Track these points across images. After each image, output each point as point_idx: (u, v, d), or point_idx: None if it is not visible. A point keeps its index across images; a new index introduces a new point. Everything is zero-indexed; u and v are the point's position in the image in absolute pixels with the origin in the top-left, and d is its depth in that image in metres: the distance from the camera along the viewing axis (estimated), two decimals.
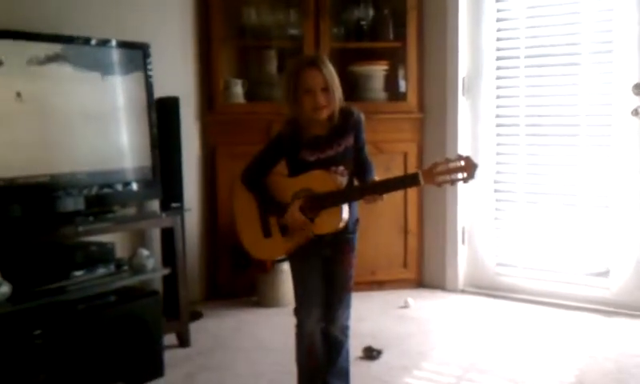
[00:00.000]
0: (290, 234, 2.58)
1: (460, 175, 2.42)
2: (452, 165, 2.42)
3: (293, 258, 2.70)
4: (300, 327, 2.71)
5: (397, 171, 4.33)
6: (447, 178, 2.42)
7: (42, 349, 2.78)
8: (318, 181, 2.52)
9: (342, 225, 2.53)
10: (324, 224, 2.52)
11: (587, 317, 4.01)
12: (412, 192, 4.51)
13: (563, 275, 4.26)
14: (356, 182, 2.64)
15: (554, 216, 4.28)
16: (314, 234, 2.54)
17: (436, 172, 2.43)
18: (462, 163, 2.41)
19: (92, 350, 2.95)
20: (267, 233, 2.65)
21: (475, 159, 2.43)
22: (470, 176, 2.42)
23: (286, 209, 2.54)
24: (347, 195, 2.55)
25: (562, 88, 4.22)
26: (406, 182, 2.77)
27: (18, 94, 3.01)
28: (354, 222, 2.67)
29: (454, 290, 4.58)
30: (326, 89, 2.51)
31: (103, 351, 3.00)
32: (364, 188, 2.57)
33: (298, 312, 2.71)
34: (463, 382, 3.14)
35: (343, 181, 2.58)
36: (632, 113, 3.93)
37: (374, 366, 3.33)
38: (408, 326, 3.91)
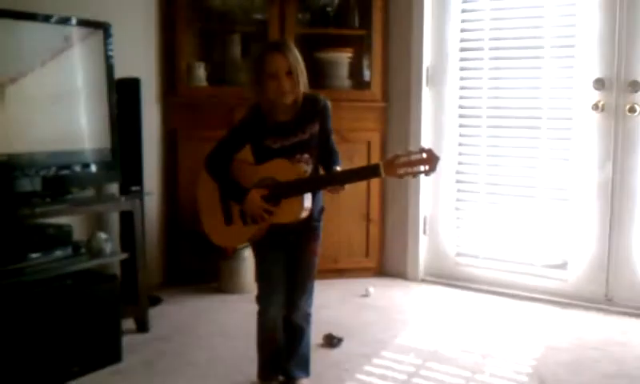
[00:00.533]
0: (249, 221, 2.56)
1: (422, 167, 2.40)
2: (414, 157, 2.40)
3: (256, 245, 2.69)
4: (262, 314, 2.70)
5: (360, 160, 4.34)
6: (409, 170, 2.41)
7: None
8: (281, 169, 2.51)
9: (304, 214, 2.52)
10: (285, 213, 2.51)
11: (544, 308, 4.07)
12: (374, 180, 4.50)
13: (522, 266, 4.31)
14: (321, 171, 2.63)
15: (513, 207, 4.32)
16: (272, 222, 2.52)
17: (397, 164, 2.41)
18: (424, 156, 2.40)
19: (48, 335, 2.90)
20: (229, 220, 2.63)
21: (437, 151, 2.43)
22: (432, 169, 2.40)
23: (246, 195, 2.52)
24: (308, 185, 2.54)
25: (525, 81, 4.26)
26: (366, 172, 2.75)
27: None
28: (319, 211, 2.67)
29: (415, 279, 4.60)
30: (290, 73, 2.50)
31: (60, 336, 2.94)
32: (325, 178, 2.57)
33: (259, 299, 2.70)
34: (423, 371, 3.15)
35: (308, 169, 2.57)
36: (592, 107, 3.99)
37: (334, 353, 3.33)
38: (368, 314, 3.92)
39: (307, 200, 2.51)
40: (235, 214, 2.61)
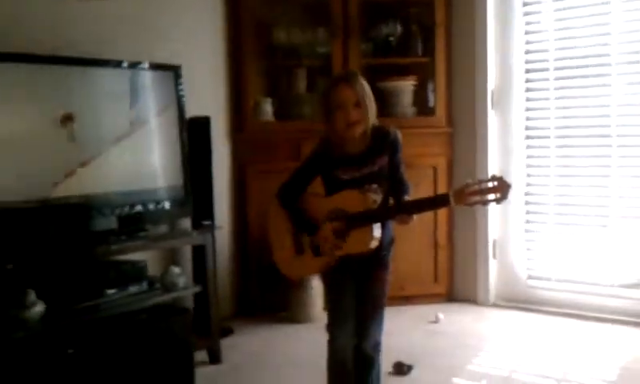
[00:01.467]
0: (320, 253, 2.60)
1: (492, 196, 2.38)
2: (484, 185, 2.38)
3: (325, 274, 2.72)
4: (332, 343, 2.71)
5: (427, 186, 4.36)
6: (479, 198, 2.38)
7: (75, 367, 2.82)
8: (350, 201, 2.52)
9: (373, 245, 2.52)
10: (355, 243, 2.52)
11: (620, 329, 3.96)
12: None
13: (595, 287, 4.21)
14: (391, 202, 2.64)
15: (585, 228, 4.24)
16: (343, 255, 2.55)
17: (467, 192, 2.39)
18: (496, 184, 2.37)
19: (124, 368, 2.99)
20: (299, 250, 2.66)
21: (505, 174, 2.40)
22: (503, 197, 2.38)
23: (318, 228, 2.57)
24: (377, 215, 2.53)
25: (593, 100, 4.20)
26: (436, 202, 2.73)
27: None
28: (388, 242, 2.67)
29: (486, 304, 4.56)
30: (359, 104, 2.52)
31: (135, 369, 3.03)
32: (394, 208, 2.56)
33: (330, 328, 2.72)
34: None
35: (377, 198, 2.57)
36: None
37: (404, 381, 3.33)
38: (439, 340, 3.91)
39: (376, 230, 2.51)
40: (306, 244, 2.66)
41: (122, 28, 3.77)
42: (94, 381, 2.89)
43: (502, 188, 2.37)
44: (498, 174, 4.13)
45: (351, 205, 2.52)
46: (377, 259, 2.64)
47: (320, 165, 2.63)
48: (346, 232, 2.52)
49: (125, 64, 3.44)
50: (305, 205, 2.64)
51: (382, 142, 2.59)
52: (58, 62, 3.17)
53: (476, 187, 2.38)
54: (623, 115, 4.08)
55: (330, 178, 2.62)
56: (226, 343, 3.80)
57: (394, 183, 2.63)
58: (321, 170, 2.63)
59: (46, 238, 3.03)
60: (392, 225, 2.65)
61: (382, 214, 2.57)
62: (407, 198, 2.60)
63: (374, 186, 2.56)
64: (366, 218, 2.51)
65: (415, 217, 2.51)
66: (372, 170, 2.57)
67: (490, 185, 2.37)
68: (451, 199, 2.42)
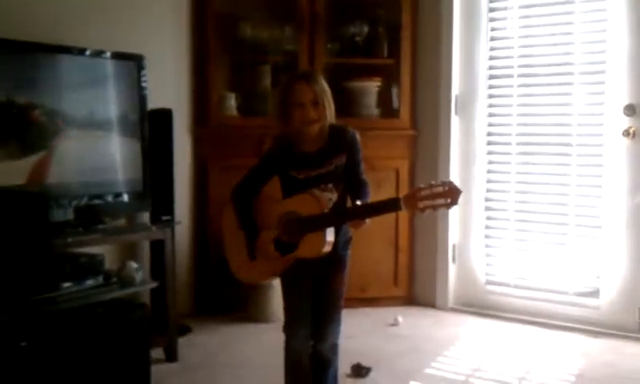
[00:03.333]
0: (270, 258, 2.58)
1: (443, 201, 2.37)
2: (435, 190, 2.37)
3: (283, 275, 2.69)
4: (288, 344, 2.70)
5: (389, 188, 4.37)
6: (430, 203, 2.38)
7: (28, 361, 2.75)
8: (303, 204, 2.51)
9: (326, 249, 2.50)
10: (307, 248, 2.50)
11: (576, 337, 4.01)
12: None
13: (553, 294, 4.26)
14: (349, 203, 2.63)
15: (544, 235, 4.28)
16: (295, 257, 2.53)
17: (418, 197, 2.38)
18: (446, 188, 2.37)
19: (79, 363, 2.92)
20: (252, 255, 2.63)
21: (466, 178, 2.41)
22: (453, 202, 2.37)
23: (258, 235, 2.56)
24: (329, 220, 2.52)
25: (554, 108, 4.24)
26: (387, 206, 2.59)
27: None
28: (346, 241, 2.66)
29: (444, 308, 4.57)
30: (316, 103, 2.51)
31: (90, 364, 2.96)
32: (345, 213, 2.56)
33: (286, 329, 2.70)
34: None
35: (332, 197, 2.57)
36: (623, 133, 3.96)
37: (362, 383, 3.32)
38: (397, 343, 3.90)
39: (329, 234, 2.50)
40: (257, 249, 2.63)
41: (84, 16, 3.68)
42: (48, 375, 2.82)
43: (453, 193, 2.37)
44: (450, 178, 4.23)
45: (303, 208, 2.50)
46: (334, 259, 2.63)
47: (275, 165, 2.61)
48: (300, 236, 2.50)
49: (87, 52, 3.36)
50: (259, 208, 2.61)
51: (339, 141, 2.59)
52: (19, 47, 3.07)
53: (427, 192, 2.38)
54: (584, 125, 4.13)
55: (286, 178, 2.60)
56: (183, 341, 3.74)
57: (353, 183, 2.62)
58: (276, 170, 2.61)
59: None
60: (348, 225, 2.64)
61: (335, 219, 2.55)
62: (368, 198, 2.60)
63: (330, 185, 2.55)
64: (319, 222, 2.49)
65: (368, 220, 2.50)
66: (328, 170, 2.56)
67: (441, 189, 2.37)
68: (401, 203, 2.42)
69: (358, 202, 2.55)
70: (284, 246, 2.55)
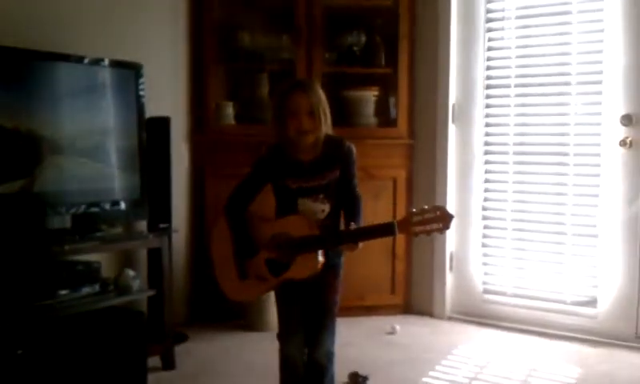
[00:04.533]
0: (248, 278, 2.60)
1: (435, 226, 2.43)
2: (427, 216, 2.42)
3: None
4: (282, 352, 2.70)
5: (386, 198, 4.40)
6: (422, 228, 2.43)
7: (24, 368, 2.74)
8: (295, 225, 2.52)
9: (317, 270, 2.53)
10: (300, 269, 2.52)
11: (573, 346, 4.01)
12: (400, 216, 4.49)
13: (550, 304, 4.25)
14: (342, 218, 2.63)
15: (541, 244, 4.28)
16: (286, 278, 2.54)
17: (412, 222, 2.44)
18: (438, 213, 2.42)
19: (75, 371, 2.92)
20: (243, 275, 2.63)
21: (449, 209, 2.45)
22: (446, 227, 2.44)
23: (254, 256, 2.57)
24: (322, 242, 2.54)
25: (552, 117, 4.25)
26: (381, 231, 2.58)
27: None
28: (338, 250, 2.66)
29: (441, 317, 4.57)
30: (312, 113, 2.52)
31: (86, 372, 2.97)
32: (339, 236, 2.57)
33: (280, 337, 2.70)
34: None
35: (325, 208, 2.57)
36: (620, 143, 3.96)
37: None
38: (394, 352, 3.90)
39: (321, 256, 2.53)
40: (249, 268, 2.63)
41: (82, 24, 3.68)
42: (44, 383, 2.81)
43: (445, 218, 2.43)
44: (454, 195, 4.25)
45: (295, 229, 2.51)
46: (328, 267, 2.63)
47: (267, 172, 2.62)
48: (292, 257, 2.51)
49: (86, 60, 3.36)
50: (250, 228, 2.61)
51: (334, 154, 2.59)
52: (18, 54, 3.07)
53: (419, 218, 2.43)
54: (581, 134, 4.14)
55: (278, 187, 2.60)
56: (180, 349, 3.73)
57: (346, 197, 2.62)
58: (269, 177, 2.62)
59: None
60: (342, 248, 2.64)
61: (329, 242, 2.57)
62: (360, 214, 2.60)
63: (321, 195, 2.55)
64: (310, 244, 2.51)
65: (361, 244, 2.51)
66: (320, 183, 2.57)
67: (433, 215, 2.43)
68: (396, 229, 2.46)
69: (353, 225, 2.53)
70: (276, 265, 2.56)
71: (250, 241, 2.59)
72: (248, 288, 2.66)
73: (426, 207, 2.46)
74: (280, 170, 2.58)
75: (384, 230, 2.52)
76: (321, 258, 2.52)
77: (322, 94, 2.57)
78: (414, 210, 2.45)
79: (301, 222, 2.52)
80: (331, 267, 2.65)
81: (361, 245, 2.50)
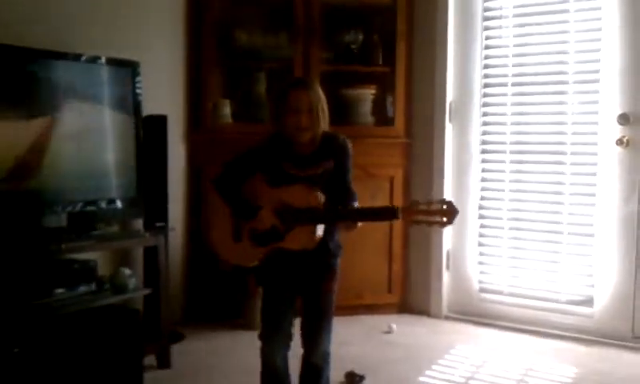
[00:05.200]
0: (259, 241, 2.56)
1: (438, 218, 2.39)
2: (433, 207, 2.40)
3: (264, 281, 2.69)
4: (262, 352, 2.70)
5: (383, 196, 4.39)
6: (424, 218, 2.40)
7: (20, 367, 2.74)
8: (298, 195, 2.48)
9: (312, 245, 2.49)
10: (295, 240, 2.49)
11: (569, 345, 4.02)
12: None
13: (546, 303, 4.26)
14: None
15: (538, 243, 4.29)
16: (281, 247, 2.51)
17: (416, 210, 2.41)
18: (444, 207, 2.39)
19: (71, 370, 2.92)
20: (237, 237, 2.61)
21: (454, 194, 2.43)
22: (449, 222, 2.40)
23: (258, 212, 2.52)
24: (323, 215, 2.50)
25: (548, 116, 4.25)
26: (384, 213, 2.61)
27: None
28: (335, 247, 2.65)
29: (438, 316, 4.57)
30: (311, 111, 2.51)
31: (82, 371, 2.96)
32: (341, 212, 2.53)
33: (261, 335, 2.70)
34: None
35: (321, 199, 2.55)
36: (617, 142, 3.97)
37: None
38: (391, 351, 3.90)
39: (319, 230, 2.48)
40: (244, 232, 2.61)
41: (80, 22, 3.67)
42: (40, 381, 2.81)
43: (450, 213, 2.39)
44: (451, 194, 4.24)
45: (297, 199, 2.48)
46: (324, 267, 2.63)
47: (262, 158, 2.59)
48: (290, 225, 2.49)
49: (83, 58, 3.35)
50: (249, 189, 2.58)
51: (329, 147, 2.59)
52: (15, 52, 3.07)
53: (424, 207, 2.40)
54: (578, 133, 4.14)
55: (274, 171, 2.56)
56: (176, 349, 3.72)
57: (340, 190, 2.60)
58: (263, 163, 2.58)
59: None
60: (339, 233, 2.63)
61: (330, 215, 2.53)
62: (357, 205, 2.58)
63: (316, 188, 2.54)
64: (312, 215, 2.48)
65: (360, 224, 2.50)
66: (315, 173, 2.56)
67: (439, 207, 2.39)
68: (399, 213, 2.43)
69: (356, 204, 2.54)
70: (268, 236, 2.53)
71: (246, 204, 2.56)
72: (241, 251, 2.61)
73: (434, 199, 2.45)
74: (277, 154, 2.57)
75: (387, 213, 2.52)
76: (319, 233, 2.48)
77: (321, 93, 2.57)
78: (420, 199, 2.44)
79: (305, 192, 2.48)
80: (328, 268, 2.64)
81: (360, 225, 2.49)
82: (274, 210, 2.51)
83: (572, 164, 4.16)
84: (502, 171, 4.41)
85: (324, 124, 2.56)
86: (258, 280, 2.74)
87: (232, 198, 2.60)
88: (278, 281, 2.64)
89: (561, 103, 4.19)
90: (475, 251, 4.52)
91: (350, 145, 2.63)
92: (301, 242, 2.49)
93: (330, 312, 2.68)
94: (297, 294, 2.66)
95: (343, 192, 2.60)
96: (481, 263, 4.52)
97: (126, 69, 3.54)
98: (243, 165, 2.63)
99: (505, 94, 4.39)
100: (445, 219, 2.39)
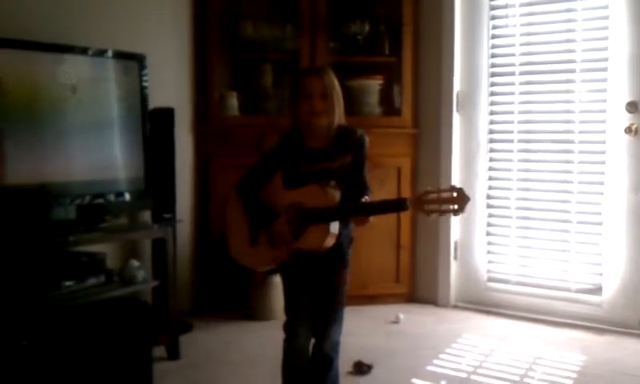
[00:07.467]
0: (274, 246, 2.57)
1: (450, 206, 2.35)
2: (444, 195, 2.35)
3: (284, 274, 2.70)
4: (287, 343, 2.69)
5: (390, 186, 4.39)
6: (436, 207, 2.36)
7: (29, 359, 2.75)
8: (311, 195, 2.49)
9: (329, 242, 2.49)
10: (310, 240, 2.49)
11: (578, 334, 4.01)
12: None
13: (555, 291, 4.26)
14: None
15: (546, 232, 4.28)
16: (297, 248, 2.52)
17: (426, 200, 2.37)
18: (455, 194, 2.34)
19: (80, 362, 2.93)
20: (254, 241, 2.63)
21: (462, 184, 2.40)
22: (461, 209, 2.35)
23: (274, 221, 2.53)
24: (335, 213, 2.51)
25: (556, 105, 4.24)
26: (393, 206, 2.61)
27: None
28: (348, 241, 2.65)
29: (446, 306, 4.57)
30: (325, 96, 2.51)
31: (92, 363, 2.97)
32: (351, 208, 2.53)
33: (286, 327, 2.70)
34: None
35: (336, 195, 2.56)
36: (625, 130, 3.95)
37: (363, 381, 3.32)
38: (399, 341, 3.91)
39: (334, 228, 2.49)
40: (261, 236, 2.62)
41: (86, 15, 3.68)
42: (49, 374, 2.82)
43: (461, 200, 2.35)
44: (459, 184, 4.22)
45: (311, 200, 2.49)
46: (338, 259, 2.63)
47: (283, 158, 2.60)
48: (304, 227, 2.50)
49: (89, 51, 3.36)
50: (264, 195, 2.60)
51: (347, 140, 2.58)
52: (20, 46, 3.08)
53: (435, 196, 2.36)
54: (586, 122, 4.13)
55: (290, 172, 2.58)
56: (184, 339, 3.74)
57: (355, 185, 2.59)
58: (283, 163, 2.60)
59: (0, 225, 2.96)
60: (352, 224, 2.64)
61: (341, 213, 2.54)
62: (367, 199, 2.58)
63: (332, 182, 2.54)
64: (325, 215, 2.48)
65: (372, 218, 2.49)
66: (332, 166, 2.55)
67: (449, 195, 2.35)
68: (408, 204, 2.41)
69: (366, 198, 2.54)
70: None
71: (266, 211, 2.57)
72: (258, 254, 2.63)
73: (443, 187, 2.40)
74: (293, 155, 2.57)
75: (396, 205, 2.53)
76: (334, 231, 2.48)
77: (335, 81, 2.56)
78: (430, 188, 2.40)
79: (317, 193, 2.49)
80: (341, 258, 2.65)
81: (372, 219, 2.48)
82: (288, 220, 2.51)
83: (580, 152, 4.14)
84: (510, 160, 4.40)
85: (339, 113, 2.55)
86: (280, 273, 2.74)
87: (252, 205, 2.61)
88: (297, 274, 2.64)
89: (568, 92, 4.18)
90: (483, 240, 4.52)
91: (367, 139, 2.61)
92: (314, 243, 2.49)
93: (342, 303, 2.68)
94: (312, 285, 2.66)
95: (358, 186, 2.59)
96: (489, 252, 4.52)
97: (133, 62, 3.55)
98: (265, 168, 2.64)
99: (512, 83, 4.37)
100: (456, 207, 2.35)
